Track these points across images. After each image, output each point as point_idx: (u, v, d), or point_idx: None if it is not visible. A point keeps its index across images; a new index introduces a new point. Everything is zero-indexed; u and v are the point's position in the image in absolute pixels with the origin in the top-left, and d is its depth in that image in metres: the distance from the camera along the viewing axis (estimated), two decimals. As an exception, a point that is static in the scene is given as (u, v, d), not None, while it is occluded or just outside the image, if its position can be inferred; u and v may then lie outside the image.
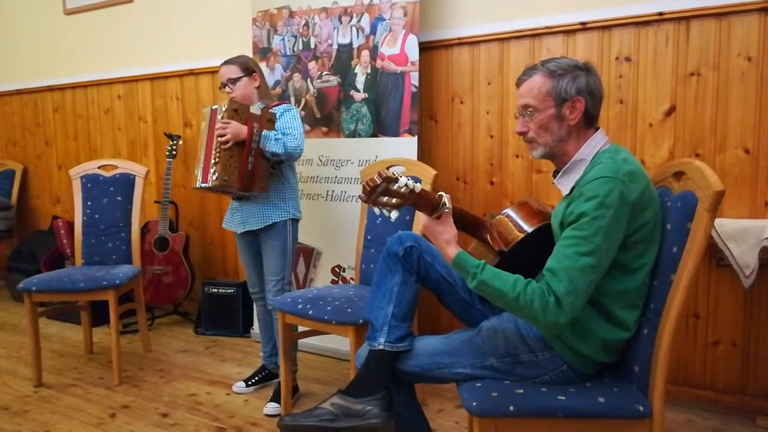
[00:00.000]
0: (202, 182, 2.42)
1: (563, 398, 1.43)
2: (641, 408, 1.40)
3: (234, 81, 2.56)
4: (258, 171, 2.45)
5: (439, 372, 1.61)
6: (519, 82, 1.58)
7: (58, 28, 4.61)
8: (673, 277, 1.39)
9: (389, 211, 1.48)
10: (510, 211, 1.67)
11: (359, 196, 1.43)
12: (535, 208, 1.67)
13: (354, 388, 1.60)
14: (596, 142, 1.53)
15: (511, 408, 1.41)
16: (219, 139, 2.37)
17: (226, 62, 2.61)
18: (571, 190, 1.52)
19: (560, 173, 1.58)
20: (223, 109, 2.40)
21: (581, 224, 1.38)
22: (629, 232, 1.41)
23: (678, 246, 1.40)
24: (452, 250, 1.50)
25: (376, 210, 1.48)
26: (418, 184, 1.47)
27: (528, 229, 1.61)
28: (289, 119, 2.55)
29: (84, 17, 4.45)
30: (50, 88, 4.72)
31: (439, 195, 1.53)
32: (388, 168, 1.42)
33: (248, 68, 2.60)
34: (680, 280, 1.37)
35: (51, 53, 4.70)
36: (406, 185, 1.42)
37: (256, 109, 2.46)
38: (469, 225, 1.70)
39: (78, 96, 4.60)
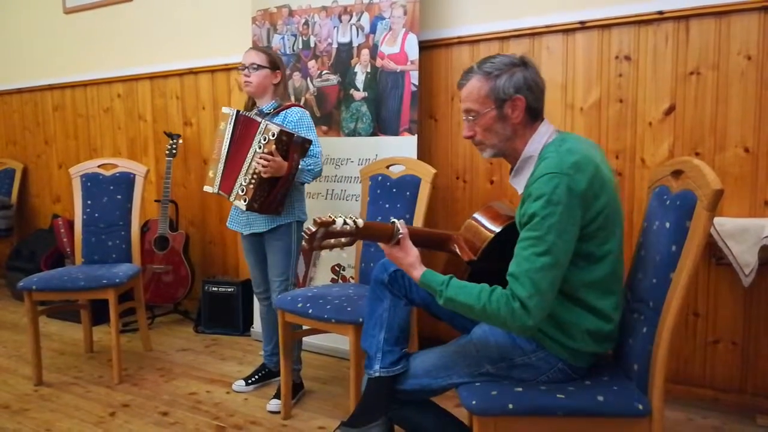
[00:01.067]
0: (223, 190, 2.47)
1: (562, 396, 1.43)
2: (640, 406, 1.40)
3: (257, 67, 2.53)
4: (284, 198, 2.49)
5: (437, 385, 1.62)
6: (459, 87, 1.58)
7: (57, 27, 4.61)
8: (672, 275, 1.39)
9: (342, 249, 1.53)
10: (477, 215, 1.69)
11: (303, 245, 1.48)
12: (499, 211, 1.69)
13: (355, 418, 1.64)
14: (541, 136, 1.54)
15: (511, 406, 1.42)
16: (259, 169, 2.34)
17: (256, 48, 2.61)
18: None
19: (513, 172, 1.59)
20: (271, 137, 2.32)
21: (533, 225, 1.39)
22: (586, 222, 1.42)
23: (677, 244, 1.40)
24: (417, 272, 1.53)
25: (324, 253, 1.51)
26: (360, 219, 1.51)
27: (495, 229, 1.63)
28: (307, 129, 2.54)
29: (84, 16, 4.45)
30: (50, 87, 4.72)
31: (392, 222, 1.57)
32: (329, 216, 1.47)
33: (275, 63, 2.59)
34: (679, 279, 1.37)
35: (51, 52, 4.70)
36: (345, 223, 1.47)
37: (298, 138, 2.40)
38: (434, 242, 1.73)
39: (78, 95, 4.60)
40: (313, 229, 1.45)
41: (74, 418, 2.50)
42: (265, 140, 2.35)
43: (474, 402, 1.44)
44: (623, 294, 1.57)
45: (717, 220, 2.23)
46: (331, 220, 1.46)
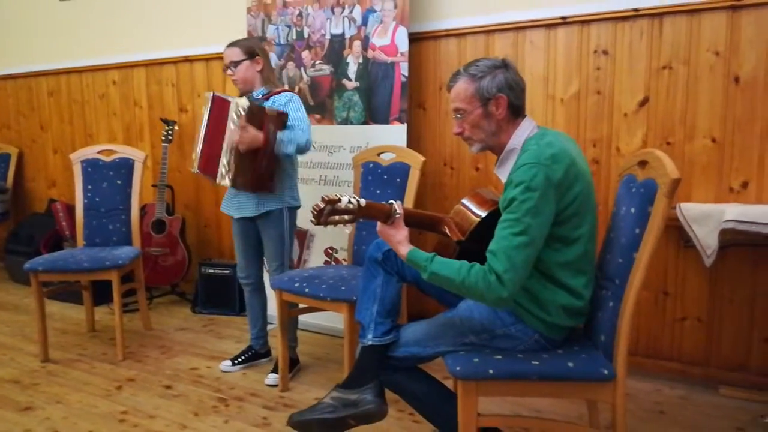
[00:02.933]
0: (200, 168, 2.54)
1: (537, 363, 1.60)
2: (606, 372, 1.58)
3: (236, 64, 2.61)
4: (269, 172, 2.53)
5: (425, 353, 1.79)
6: (448, 89, 1.75)
7: (53, 14, 4.68)
8: (635, 255, 1.56)
9: (345, 226, 1.69)
10: (465, 201, 1.85)
11: (310, 221, 1.64)
12: (486, 197, 1.85)
13: (349, 381, 1.80)
14: (523, 131, 1.71)
15: (491, 371, 1.59)
16: (235, 143, 2.42)
17: (230, 44, 2.65)
18: None
19: (498, 163, 1.76)
20: (241, 111, 2.42)
21: (512, 208, 1.55)
22: (560, 208, 1.58)
23: (640, 227, 1.57)
24: (404, 249, 1.69)
25: (330, 228, 1.67)
26: (363, 199, 1.67)
27: (482, 214, 1.79)
28: (295, 110, 2.59)
29: (79, 3, 4.52)
30: (44, 73, 4.80)
31: (389, 203, 1.73)
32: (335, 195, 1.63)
33: (251, 51, 2.63)
34: (641, 258, 1.54)
35: (45, 38, 4.77)
36: (350, 202, 1.63)
37: (271, 111, 2.48)
38: (427, 224, 1.89)
39: (73, 81, 4.68)
40: (321, 206, 1.61)
41: (83, 392, 2.65)
42: (237, 116, 2.43)
43: (458, 368, 1.61)
44: (594, 273, 1.74)
45: (684, 205, 2.40)
46: (337, 198, 1.62)
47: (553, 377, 1.59)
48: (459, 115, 1.72)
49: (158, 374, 2.83)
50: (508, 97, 1.67)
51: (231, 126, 2.45)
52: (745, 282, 2.55)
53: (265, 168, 2.51)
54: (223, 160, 2.48)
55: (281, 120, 2.52)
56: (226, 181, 2.49)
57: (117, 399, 2.57)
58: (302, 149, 2.56)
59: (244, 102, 2.43)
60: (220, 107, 2.54)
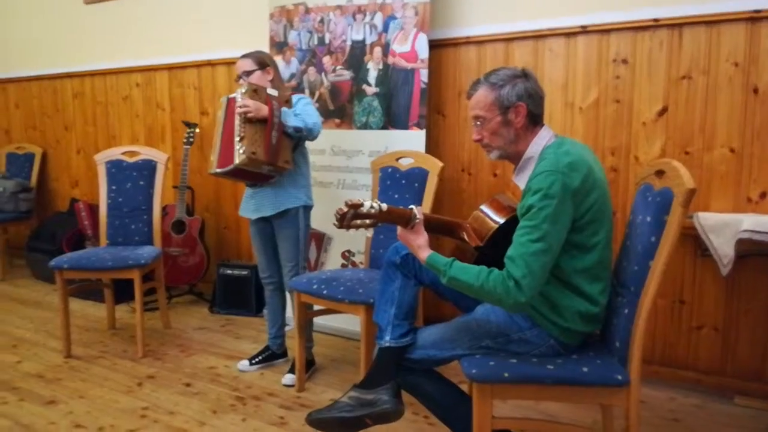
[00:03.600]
0: (219, 167, 2.58)
1: (551, 367, 1.63)
2: (620, 377, 1.60)
3: (248, 74, 2.70)
4: (282, 146, 2.59)
5: (441, 356, 1.82)
6: (468, 96, 1.79)
7: (78, 17, 4.78)
8: (651, 263, 1.58)
9: (366, 229, 1.73)
10: (483, 207, 1.88)
11: (333, 224, 1.68)
12: (504, 203, 1.88)
13: (366, 381, 1.84)
14: (541, 139, 1.74)
15: (506, 375, 1.61)
16: (240, 110, 2.51)
17: (243, 56, 2.76)
18: None
19: (516, 171, 1.79)
20: (243, 91, 2.57)
21: (530, 215, 1.58)
22: (578, 216, 1.61)
23: (656, 236, 1.59)
24: (424, 254, 1.73)
25: (352, 231, 1.72)
26: (384, 204, 1.70)
27: (500, 220, 1.82)
28: (304, 105, 2.70)
29: (104, 6, 4.62)
30: (69, 75, 4.90)
31: (410, 209, 1.76)
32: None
33: (262, 62, 2.74)
34: (657, 266, 1.56)
35: (70, 42, 4.87)
36: (372, 206, 1.67)
37: (273, 91, 2.63)
38: (446, 229, 1.92)
39: (97, 83, 4.77)
40: (345, 210, 1.65)
41: (105, 387, 2.71)
42: (242, 94, 2.56)
43: (474, 371, 1.64)
44: (610, 280, 1.76)
45: (701, 215, 2.41)
46: (359, 202, 1.66)
47: (567, 381, 1.61)
48: (478, 123, 1.75)
49: (177, 372, 2.89)
50: (527, 106, 1.71)
51: (238, 105, 2.55)
52: (761, 291, 2.55)
53: (276, 140, 2.56)
54: (237, 139, 2.54)
55: (284, 99, 2.64)
56: (243, 158, 2.50)
57: (138, 395, 2.63)
58: (311, 129, 2.62)
59: (245, 85, 2.59)
60: (230, 105, 2.64)
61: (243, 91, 2.57)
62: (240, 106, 2.53)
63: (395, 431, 2.28)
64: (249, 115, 2.51)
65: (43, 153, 5.16)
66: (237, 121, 2.55)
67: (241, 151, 2.50)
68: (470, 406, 1.68)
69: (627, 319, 1.64)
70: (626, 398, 1.61)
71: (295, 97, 2.75)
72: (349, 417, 1.76)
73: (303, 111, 2.65)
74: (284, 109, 2.60)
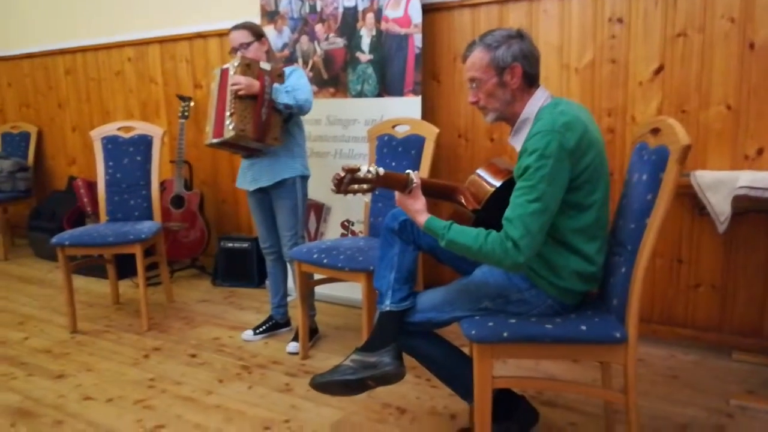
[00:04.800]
0: (215, 137, 2.59)
1: (550, 326, 1.65)
2: (618, 334, 1.62)
3: (246, 45, 2.68)
4: (271, 122, 2.60)
5: (441, 318, 1.84)
6: (463, 59, 1.77)
7: (67, -8, 4.72)
8: (647, 221, 1.59)
9: (364, 194, 1.74)
10: (480, 171, 1.88)
11: (331, 189, 1.69)
12: (500, 166, 1.88)
13: (368, 345, 1.86)
14: (537, 100, 1.73)
15: (505, 334, 1.64)
16: (232, 87, 2.51)
17: (237, 27, 2.71)
18: None
19: (512, 132, 1.79)
20: (236, 65, 2.55)
21: (527, 176, 1.58)
22: (574, 175, 1.61)
23: (652, 193, 1.59)
24: (422, 218, 1.73)
25: (349, 196, 1.72)
26: (381, 168, 1.71)
27: (497, 183, 1.82)
28: (297, 78, 2.69)
29: (92, -19, 4.55)
30: (61, 52, 4.85)
31: (406, 173, 1.76)
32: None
33: (258, 33, 2.72)
34: (653, 223, 1.57)
35: (61, 17, 4.80)
36: (369, 171, 1.67)
37: (266, 65, 2.61)
38: (443, 193, 1.92)
39: (89, 59, 4.72)
40: (342, 175, 1.66)
41: (112, 360, 2.75)
42: (234, 68, 2.55)
43: (474, 332, 1.66)
44: (607, 239, 1.78)
45: (698, 173, 2.41)
46: (356, 167, 1.67)
47: (566, 340, 1.64)
48: (474, 85, 1.75)
49: (183, 344, 2.92)
50: (522, 67, 1.70)
51: (230, 82, 2.54)
52: (758, 248, 2.57)
53: (266, 116, 2.57)
54: (227, 113, 2.54)
55: (276, 73, 2.62)
56: (233, 133, 2.51)
57: (145, 367, 2.67)
58: (302, 106, 2.62)
59: (238, 58, 2.57)
60: (223, 76, 2.62)
61: (236, 64, 2.55)
62: (232, 84, 2.52)
63: (399, 395, 2.32)
64: (240, 92, 2.51)
65: (39, 131, 5.13)
66: (229, 96, 2.54)
67: (230, 126, 2.52)
68: (471, 367, 1.71)
69: (624, 278, 1.66)
70: (624, 355, 1.63)
71: (287, 69, 2.73)
72: (352, 379, 1.79)
73: (295, 86, 2.63)
74: (276, 85, 2.59)
